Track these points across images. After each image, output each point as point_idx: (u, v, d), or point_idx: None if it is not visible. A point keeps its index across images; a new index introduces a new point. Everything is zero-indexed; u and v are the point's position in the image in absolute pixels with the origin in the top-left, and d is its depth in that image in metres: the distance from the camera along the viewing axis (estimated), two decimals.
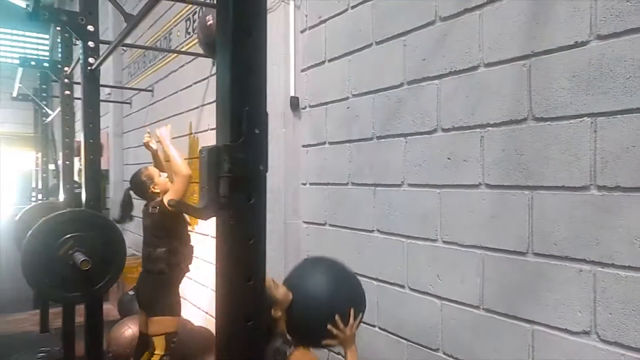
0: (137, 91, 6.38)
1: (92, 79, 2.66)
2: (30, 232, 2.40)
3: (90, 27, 2.63)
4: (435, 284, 2.11)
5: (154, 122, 5.78)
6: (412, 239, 2.21)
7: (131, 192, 3.20)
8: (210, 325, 4.25)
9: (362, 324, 2.25)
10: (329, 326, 1.78)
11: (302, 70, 2.98)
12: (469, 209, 1.96)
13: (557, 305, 1.64)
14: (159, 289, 2.98)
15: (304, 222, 2.98)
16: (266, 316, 1.82)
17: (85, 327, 2.64)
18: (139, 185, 3.08)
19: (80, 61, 2.70)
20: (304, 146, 2.97)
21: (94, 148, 2.69)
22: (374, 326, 2.44)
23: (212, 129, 4.22)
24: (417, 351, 2.19)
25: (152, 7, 1.90)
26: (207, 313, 4.40)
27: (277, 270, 3.02)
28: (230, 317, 1.03)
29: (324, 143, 2.79)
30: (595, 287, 1.54)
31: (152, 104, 5.87)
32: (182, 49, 4.90)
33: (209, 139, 4.29)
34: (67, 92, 3.63)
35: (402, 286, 2.27)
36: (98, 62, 2.56)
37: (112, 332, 4.36)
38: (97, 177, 2.71)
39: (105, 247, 2.49)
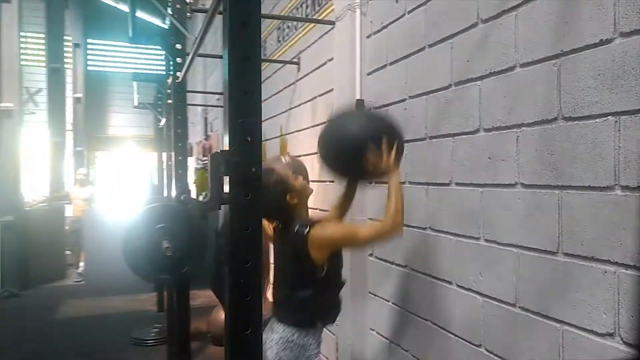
0: None
1: (179, 90, 3.04)
2: (129, 222, 2.83)
3: (178, 45, 3.01)
4: (477, 280, 2.15)
5: (264, 120, 6.23)
6: (459, 237, 2.27)
7: None
8: None
9: (413, 316, 2.38)
10: (368, 154, 1.95)
11: (368, 74, 3.12)
12: (506, 208, 1.98)
13: (584, 306, 1.63)
14: None
15: (369, 218, 3.11)
16: (283, 202, 2.05)
17: (177, 306, 3.03)
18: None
19: (171, 74, 3.10)
20: None
21: (182, 150, 3.07)
22: (426, 320, 2.52)
23: (298, 131, 4.50)
24: (462, 346, 2.24)
25: (208, 25, 2.16)
26: None
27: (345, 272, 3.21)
28: (233, 291, 1.23)
29: None
30: (618, 288, 1.52)
31: None
32: (274, 57, 5.26)
33: (296, 140, 4.58)
34: (169, 101, 4.11)
35: (450, 282, 2.33)
36: (182, 75, 2.92)
37: (212, 315, 4.84)
38: (184, 175, 3.09)
39: (190, 237, 2.85)
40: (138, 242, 2.79)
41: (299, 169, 3.15)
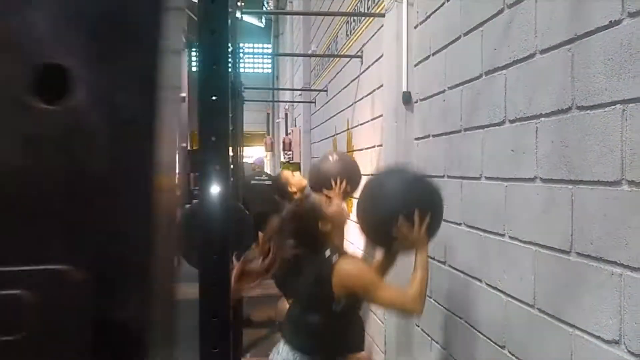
0: (317, 91, 7.04)
1: (232, 88, 3.20)
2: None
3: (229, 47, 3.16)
4: (502, 279, 2.05)
5: (327, 119, 6.34)
6: (487, 233, 2.18)
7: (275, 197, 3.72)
8: None
9: (450, 314, 2.34)
10: (398, 225, 1.87)
11: (415, 65, 3.06)
12: (527, 203, 1.87)
13: (593, 310, 1.51)
14: None
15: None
16: (315, 230, 2.05)
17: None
18: (279, 187, 3.58)
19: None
20: (415, 139, 3.06)
21: (235, 147, 3.23)
22: (460, 318, 2.45)
23: (360, 124, 4.51)
24: (488, 346, 2.16)
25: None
26: None
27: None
28: (203, 282, 1.32)
29: (429, 136, 2.85)
30: (623, 292, 1.39)
31: (327, 102, 6.42)
32: (343, 51, 5.30)
33: (358, 133, 4.60)
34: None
35: (480, 280, 2.25)
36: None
37: (278, 304, 5.03)
38: (236, 171, 3.26)
39: (244, 236, 3.00)
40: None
41: (346, 169, 3.17)
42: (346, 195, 3.10)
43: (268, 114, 9.16)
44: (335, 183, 3.00)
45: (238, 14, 3.21)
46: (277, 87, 12.52)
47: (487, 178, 2.18)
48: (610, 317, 1.44)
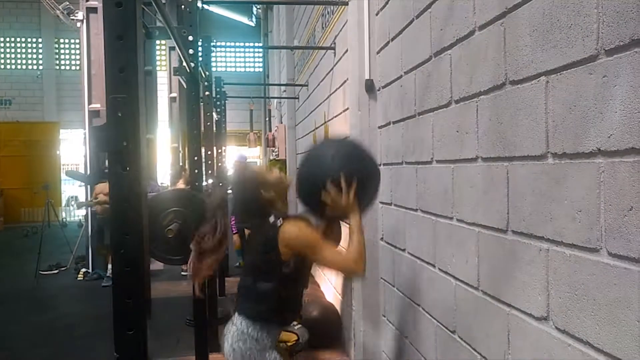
0: (300, 86, 7.01)
1: (193, 80, 3.17)
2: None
3: (190, 37, 3.13)
4: (451, 263, 2.02)
5: (309, 114, 6.31)
6: (439, 217, 2.15)
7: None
8: (338, 303, 4.55)
9: (412, 302, 2.31)
10: (323, 193, 1.88)
11: (377, 53, 3.03)
12: (470, 184, 1.85)
13: (525, 288, 1.48)
14: None
15: (380, 202, 3.04)
16: (258, 197, 2.05)
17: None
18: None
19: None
20: (379, 127, 3.03)
21: (196, 139, 3.20)
22: (418, 305, 2.42)
23: (335, 117, 4.48)
24: (442, 332, 2.13)
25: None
26: (336, 290, 4.71)
27: None
28: (115, 263, 1.29)
29: (389, 123, 2.82)
30: (548, 267, 1.36)
31: (308, 97, 6.39)
32: (320, 44, 5.27)
33: (334, 127, 4.56)
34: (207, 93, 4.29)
35: (433, 265, 2.22)
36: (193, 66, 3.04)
37: None
38: (199, 163, 3.22)
39: (200, 221, 2.97)
40: (151, 226, 2.96)
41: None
42: None
43: (251, 110, 9.12)
44: None
45: (199, 4, 3.17)
46: (258, 83, 12.50)
47: (437, 162, 2.15)
48: (539, 294, 1.41)
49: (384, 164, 2.95)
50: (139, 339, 1.34)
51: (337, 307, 4.49)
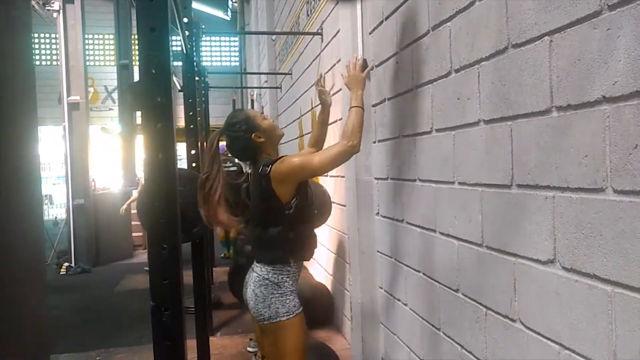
0: (283, 75, 7.05)
1: (188, 61, 3.20)
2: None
3: (185, 19, 3.16)
4: (453, 225, 2.13)
5: (293, 102, 6.36)
6: (439, 183, 2.25)
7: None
8: (329, 283, 4.63)
9: (410, 269, 2.39)
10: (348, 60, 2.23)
11: (370, 33, 3.12)
12: (472, 147, 1.95)
13: (531, 235, 1.59)
14: None
15: (375, 178, 3.13)
16: (249, 141, 2.12)
17: (193, 261, 3.23)
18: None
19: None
20: (373, 106, 3.12)
21: (192, 132, 3.23)
22: (419, 272, 2.53)
23: None
24: (445, 293, 2.23)
25: None
26: (324, 269, 4.79)
27: (352, 225, 3.26)
28: (151, 216, 1.35)
29: (384, 100, 2.91)
30: (554, 213, 1.47)
31: (292, 85, 6.44)
32: (305, 30, 5.33)
33: None
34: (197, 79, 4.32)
35: (434, 230, 2.32)
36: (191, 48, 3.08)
37: None
38: (196, 147, 3.26)
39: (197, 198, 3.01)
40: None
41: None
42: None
43: (234, 99, 9.13)
44: None
45: None
46: (244, 72, 12.48)
47: (437, 130, 2.25)
48: (545, 239, 1.52)
49: (379, 141, 3.04)
50: (174, 287, 1.40)
51: (329, 287, 4.58)
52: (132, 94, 1.29)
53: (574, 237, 1.40)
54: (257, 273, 2.11)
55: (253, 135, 2.12)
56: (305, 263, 5.39)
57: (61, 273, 7.40)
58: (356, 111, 2.07)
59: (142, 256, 8.42)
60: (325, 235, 4.62)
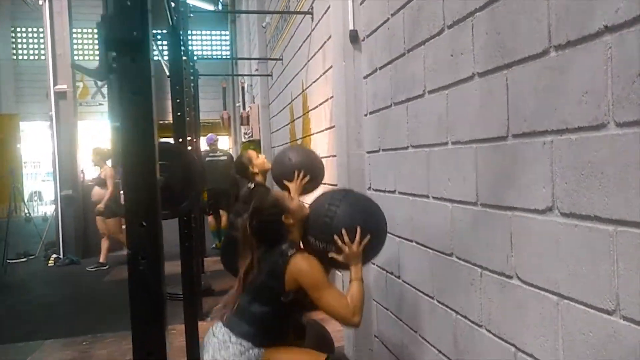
0: (274, 62, 6.98)
1: (173, 38, 3.11)
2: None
3: (172, 3, 3.07)
4: (447, 187, 2.07)
5: (284, 88, 6.29)
6: (432, 147, 2.19)
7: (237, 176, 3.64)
8: None
9: (402, 240, 2.34)
10: (335, 237, 1.95)
11: (361, 4, 3.05)
12: (466, 103, 1.89)
13: (528, 186, 1.53)
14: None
15: (367, 152, 3.06)
16: (279, 224, 2.04)
17: (180, 238, 3.15)
18: (240, 165, 3.50)
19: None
20: (364, 77, 3.05)
21: (180, 105, 3.15)
22: (410, 240, 2.46)
23: (314, 82, 4.49)
24: (438, 259, 2.17)
25: None
26: None
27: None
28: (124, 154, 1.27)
29: (376, 70, 2.85)
30: (552, 157, 1.41)
31: (283, 70, 6.37)
32: (295, 15, 5.26)
33: (313, 92, 4.57)
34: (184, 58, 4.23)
35: (427, 196, 2.26)
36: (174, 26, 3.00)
37: None
38: (183, 127, 3.18)
39: (184, 173, 2.93)
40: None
41: (309, 163, 3.12)
42: (305, 189, 3.06)
43: (224, 87, 9.02)
44: (297, 176, 3.00)
45: None
46: (235, 57, 12.40)
47: (429, 92, 2.19)
48: (543, 187, 1.46)
49: (370, 113, 2.98)
50: (151, 232, 1.33)
51: None
52: (106, 29, 1.21)
53: (573, 180, 1.34)
54: (218, 338, 1.98)
55: (283, 217, 2.04)
56: None
57: (49, 265, 7.28)
58: (357, 285, 1.96)
59: None
60: None
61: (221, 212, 7.77)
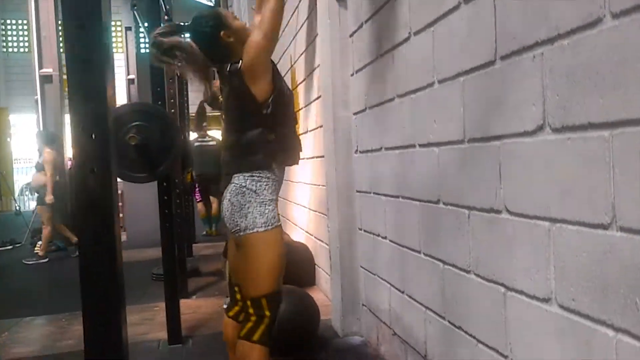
0: None
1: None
2: None
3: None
4: (433, 131, 1.95)
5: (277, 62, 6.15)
6: (418, 91, 2.07)
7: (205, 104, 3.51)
8: (309, 242, 4.46)
9: (389, 198, 2.19)
10: None
11: None
12: (452, 35, 1.77)
13: (517, 107, 1.42)
14: None
15: (354, 113, 2.95)
16: (216, 38, 1.91)
17: (160, 203, 3.01)
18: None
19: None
20: (350, 35, 2.94)
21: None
22: (397, 197, 2.35)
23: (303, 52, 4.37)
24: (424, 209, 2.06)
25: None
26: (305, 230, 4.62)
27: (330, 168, 3.08)
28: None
29: (362, 25, 2.73)
30: (543, 70, 1.30)
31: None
32: None
33: (301, 64, 4.45)
34: None
35: (413, 146, 2.14)
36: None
37: (228, 259, 4.86)
38: (162, 91, 3.05)
39: (162, 135, 2.82)
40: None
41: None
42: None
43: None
44: None
45: None
46: None
47: (415, 33, 2.08)
48: (533, 104, 1.34)
49: (357, 71, 2.86)
50: (103, 144, 1.21)
51: (310, 247, 4.40)
52: None
53: (565, 88, 1.22)
54: (234, 183, 1.89)
55: (222, 33, 1.91)
56: (284, 225, 5.22)
57: (35, 251, 7.13)
58: None
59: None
60: (306, 195, 4.44)
61: (212, 198, 7.65)
